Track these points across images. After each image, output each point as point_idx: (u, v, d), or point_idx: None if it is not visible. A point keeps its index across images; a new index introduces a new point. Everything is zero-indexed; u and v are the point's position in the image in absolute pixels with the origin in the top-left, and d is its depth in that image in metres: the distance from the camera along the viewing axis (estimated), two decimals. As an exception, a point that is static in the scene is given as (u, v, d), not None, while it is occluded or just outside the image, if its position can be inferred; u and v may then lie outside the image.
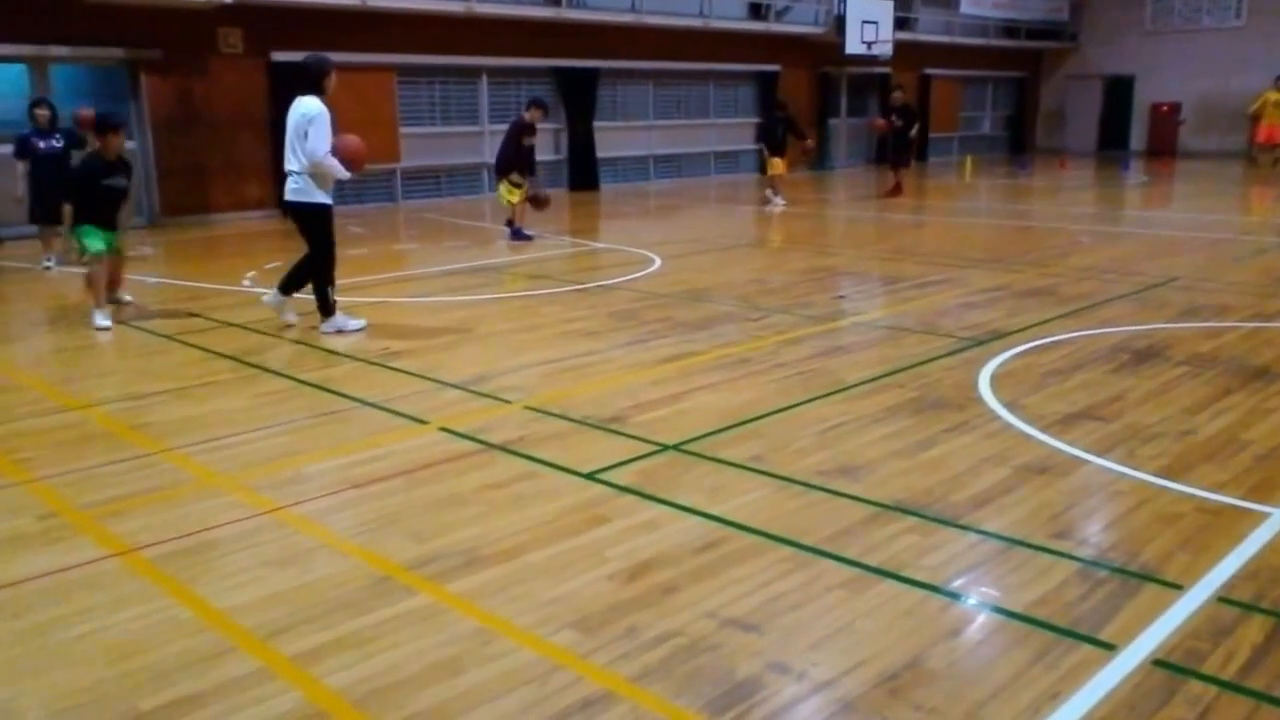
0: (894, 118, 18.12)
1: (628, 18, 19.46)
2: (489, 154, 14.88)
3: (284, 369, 6.62)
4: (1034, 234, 13.47)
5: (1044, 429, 5.15)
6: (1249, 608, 3.33)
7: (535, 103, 13.16)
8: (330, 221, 7.59)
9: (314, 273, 7.61)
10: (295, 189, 7.47)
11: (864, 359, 6.68)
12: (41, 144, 10.84)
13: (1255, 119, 22.98)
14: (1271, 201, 17.76)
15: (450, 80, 18.09)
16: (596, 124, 19.94)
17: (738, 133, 22.84)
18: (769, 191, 16.97)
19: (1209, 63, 28.10)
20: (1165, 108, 29.10)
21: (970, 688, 2.92)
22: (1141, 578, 3.57)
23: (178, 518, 4.20)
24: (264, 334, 7.62)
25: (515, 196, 12.95)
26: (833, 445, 4.97)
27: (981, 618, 3.33)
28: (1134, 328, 7.41)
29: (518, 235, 12.91)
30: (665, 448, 4.94)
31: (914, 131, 18.35)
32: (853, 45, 22.90)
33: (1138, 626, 3.22)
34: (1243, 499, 4.24)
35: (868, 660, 3.06)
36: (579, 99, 19.58)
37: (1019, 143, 31.24)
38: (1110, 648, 3.10)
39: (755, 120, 22.48)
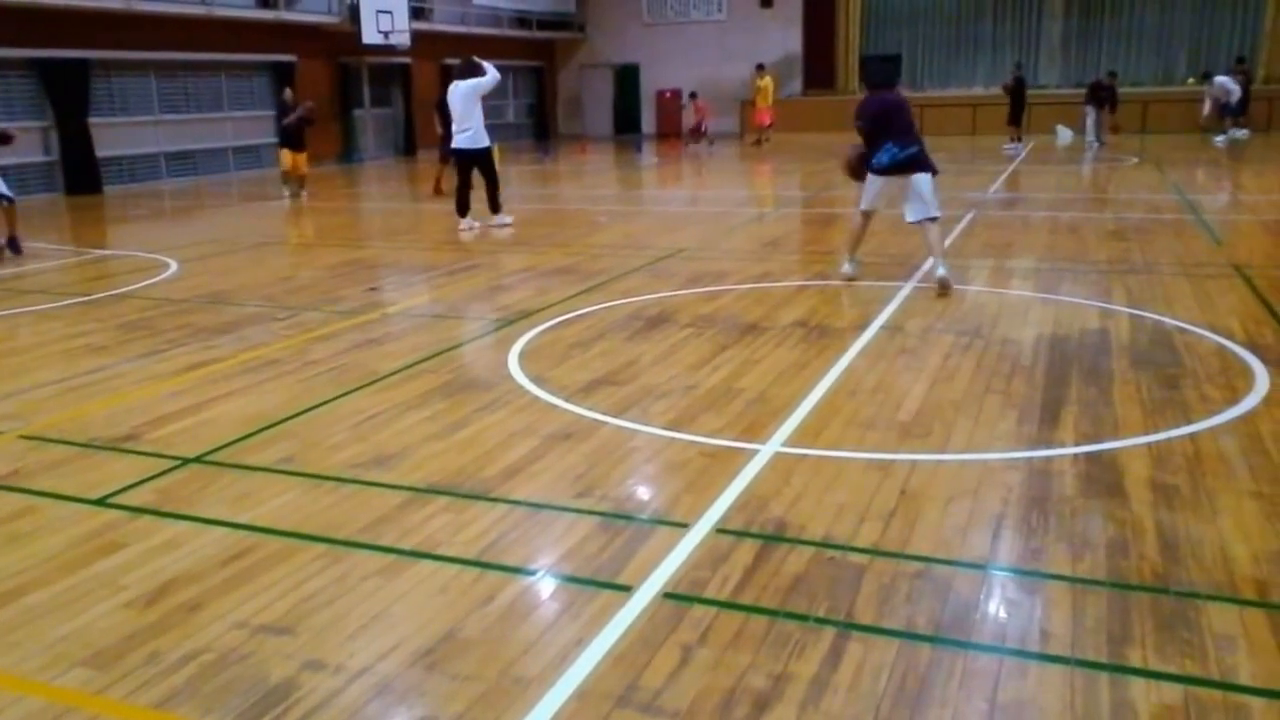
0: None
1: (117, 4, 17.74)
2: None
3: None
4: (559, 216, 14.16)
5: (568, 398, 5.45)
6: (741, 534, 3.75)
7: None
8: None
9: (493, 186, 12.20)
10: (473, 138, 11.81)
11: (397, 349, 6.69)
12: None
13: (755, 104, 25.66)
14: (760, 178, 19.91)
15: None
16: (92, 120, 18.12)
17: (256, 126, 21.75)
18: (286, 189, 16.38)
19: (701, 51, 31.10)
20: (669, 93, 31.61)
21: (503, 649, 3.04)
22: (654, 522, 3.90)
23: None
24: None
25: None
26: (367, 437, 4.94)
27: (512, 582, 3.48)
28: (647, 297, 8.02)
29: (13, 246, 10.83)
30: (185, 461, 4.66)
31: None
32: (369, 35, 22.66)
33: (650, 566, 3.52)
34: (735, 440, 4.75)
35: (404, 641, 3.09)
36: (68, 93, 17.69)
37: (543, 129, 32.62)
38: (627, 589, 3.36)
39: (273, 113, 21.32)
